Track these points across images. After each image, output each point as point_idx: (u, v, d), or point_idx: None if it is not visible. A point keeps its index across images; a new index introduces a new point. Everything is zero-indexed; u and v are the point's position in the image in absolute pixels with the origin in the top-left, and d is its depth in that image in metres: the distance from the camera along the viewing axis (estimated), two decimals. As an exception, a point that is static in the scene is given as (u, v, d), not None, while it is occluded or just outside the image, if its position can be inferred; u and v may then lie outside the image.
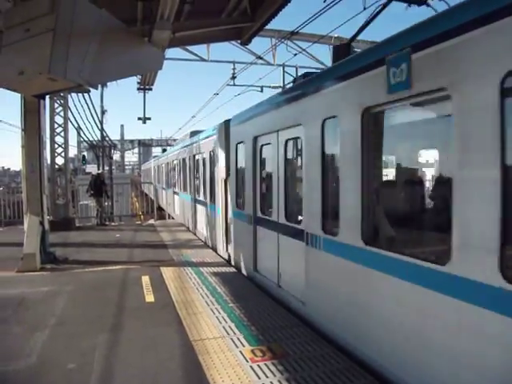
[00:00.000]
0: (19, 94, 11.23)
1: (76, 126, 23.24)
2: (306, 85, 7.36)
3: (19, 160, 12.29)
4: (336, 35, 21.75)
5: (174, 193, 22.60)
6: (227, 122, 11.61)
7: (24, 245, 10.79)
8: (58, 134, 19.29)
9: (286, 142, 8.07)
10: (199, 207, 16.08)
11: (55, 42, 7.52)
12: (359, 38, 7.75)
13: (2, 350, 5.96)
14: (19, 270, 10.38)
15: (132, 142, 68.11)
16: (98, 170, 24.76)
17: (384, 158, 5.99)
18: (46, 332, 6.54)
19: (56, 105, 19.09)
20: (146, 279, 9.50)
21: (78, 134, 25.71)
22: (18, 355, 5.71)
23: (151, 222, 21.51)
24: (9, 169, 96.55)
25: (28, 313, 7.51)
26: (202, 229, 15.52)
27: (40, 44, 7.62)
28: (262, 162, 9.53)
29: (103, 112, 31.10)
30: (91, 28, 8.22)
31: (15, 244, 12.22)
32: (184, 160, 19.07)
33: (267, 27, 13.53)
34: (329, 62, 22.76)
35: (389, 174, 6.05)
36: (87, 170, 38.86)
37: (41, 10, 7.69)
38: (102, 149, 28.18)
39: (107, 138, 29.19)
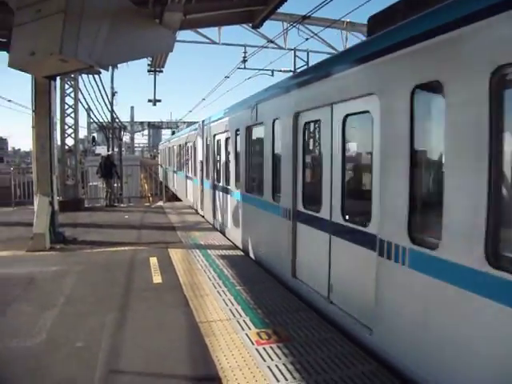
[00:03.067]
0: (30, 75, 11.27)
1: (86, 107, 23.26)
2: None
3: (30, 141, 12.36)
4: (348, 20, 21.60)
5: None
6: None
7: (34, 225, 10.90)
8: (69, 115, 19.35)
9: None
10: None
11: (66, 23, 7.53)
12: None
13: (13, 328, 6.05)
14: (29, 249, 10.50)
15: (142, 123, 68.02)
16: (108, 151, 24.80)
17: None
18: (55, 311, 6.63)
19: (66, 86, 19.13)
20: (153, 260, 9.58)
21: (88, 115, 25.67)
22: (28, 333, 5.80)
23: (160, 203, 21.58)
24: (19, 149, 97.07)
25: (37, 292, 7.60)
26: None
27: (51, 25, 7.63)
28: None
29: (113, 94, 31.08)
30: (102, 9, 8.21)
31: (25, 224, 12.37)
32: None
33: (279, 11, 13.47)
34: (341, 47, 22.64)
35: None
36: (97, 152, 39.01)
37: (52, -10, 7.69)
38: (111, 130, 28.20)
39: (117, 120, 29.19)
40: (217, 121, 14.24)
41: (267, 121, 9.20)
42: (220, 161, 14.29)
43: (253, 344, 5.51)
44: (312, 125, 7.66)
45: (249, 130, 10.72)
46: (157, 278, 8.31)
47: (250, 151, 10.88)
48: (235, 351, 5.31)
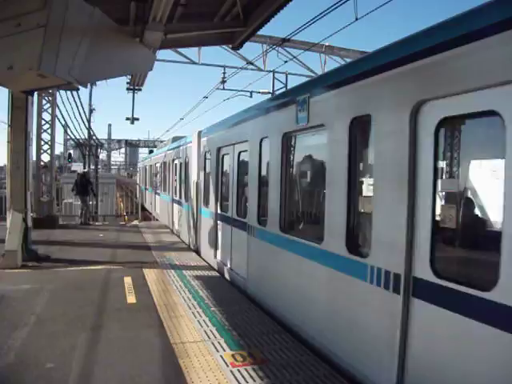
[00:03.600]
0: (7, 89, 11.15)
1: (63, 123, 23.09)
2: None
3: (4, 155, 12.20)
4: (327, 44, 21.90)
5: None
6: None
7: (6, 241, 10.68)
8: (45, 130, 19.20)
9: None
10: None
11: (46, 39, 7.47)
12: (351, 47, 7.81)
13: (-20, 346, 5.89)
14: (0, 266, 10.27)
15: (119, 141, 67.77)
16: (84, 168, 24.62)
17: None
18: (25, 330, 6.47)
19: (44, 101, 19.01)
20: (128, 280, 9.44)
21: (65, 131, 25.49)
22: (-5, 353, 5.65)
23: (135, 222, 21.41)
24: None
25: (8, 310, 7.41)
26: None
27: (31, 39, 7.57)
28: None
29: (91, 110, 30.94)
30: (83, 26, 8.18)
31: (-3, 240, 12.13)
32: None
33: (259, 33, 13.60)
34: (319, 71, 22.92)
35: None
36: (73, 168, 38.71)
37: (33, 5, 7.63)
38: (88, 147, 28.01)
39: (94, 137, 29.04)
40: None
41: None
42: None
43: (227, 366, 5.44)
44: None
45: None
46: (131, 298, 8.19)
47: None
48: (209, 373, 5.23)
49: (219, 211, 11.41)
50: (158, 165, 23.35)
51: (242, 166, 9.69)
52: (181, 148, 16.54)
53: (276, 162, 7.61)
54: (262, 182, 8.43)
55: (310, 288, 6.49)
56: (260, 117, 8.62)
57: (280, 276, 7.57)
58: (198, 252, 13.29)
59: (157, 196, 23.45)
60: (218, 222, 11.41)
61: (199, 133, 13.40)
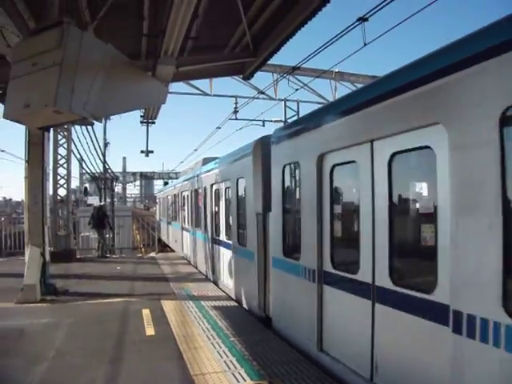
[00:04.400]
0: (23, 126, 11.35)
1: (79, 157, 23.35)
2: None
3: (21, 190, 12.35)
4: (337, 70, 22.05)
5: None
6: None
7: (24, 276, 10.75)
8: (61, 165, 19.48)
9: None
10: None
11: (61, 76, 7.61)
12: (361, 72, 8.02)
13: (1, 382, 5.89)
14: (19, 301, 10.33)
15: (134, 174, 68.25)
16: (100, 201, 24.81)
17: None
18: (45, 364, 6.48)
19: (59, 137, 19.32)
20: (146, 312, 9.43)
21: (81, 165, 25.78)
22: (16, 388, 5.65)
23: (152, 254, 21.43)
24: (10, 199, 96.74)
25: (27, 345, 7.44)
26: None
27: (46, 77, 7.72)
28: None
29: (106, 144, 31.36)
30: (97, 62, 8.33)
31: (15, 275, 12.20)
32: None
33: (269, 62, 13.74)
34: (330, 97, 23.03)
35: None
36: (89, 202, 38.93)
37: (49, 44, 7.82)
38: (104, 181, 28.28)
39: (109, 170, 29.31)
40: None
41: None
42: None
43: (249, 397, 5.39)
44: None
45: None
46: (150, 330, 8.17)
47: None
48: (231, 404, 5.18)
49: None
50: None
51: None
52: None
53: None
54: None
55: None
56: None
57: None
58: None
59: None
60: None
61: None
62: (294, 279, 7.50)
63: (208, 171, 14.41)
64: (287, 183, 8.19)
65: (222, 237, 12.68)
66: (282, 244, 8.08)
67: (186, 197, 19.45)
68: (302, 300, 7.20)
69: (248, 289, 10.20)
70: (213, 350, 7.08)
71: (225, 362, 6.58)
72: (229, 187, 11.82)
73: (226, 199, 12.49)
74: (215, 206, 13.65)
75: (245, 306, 10.33)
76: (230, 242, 11.66)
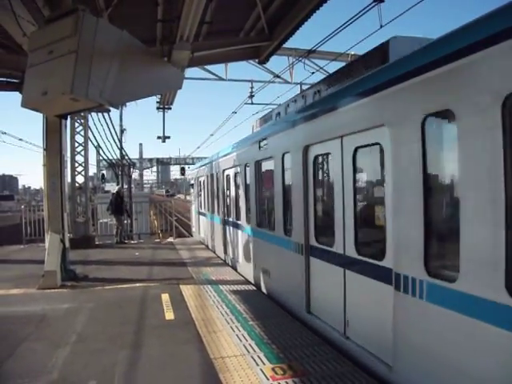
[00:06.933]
0: (41, 115, 11.44)
1: (96, 144, 23.48)
2: None
3: (40, 178, 12.47)
4: (353, 52, 21.80)
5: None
6: None
7: (45, 262, 10.90)
8: (79, 153, 19.59)
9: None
10: None
11: (78, 63, 7.66)
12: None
13: (25, 366, 6.00)
14: (40, 287, 10.49)
15: (151, 160, 68.65)
16: (117, 185, 24.96)
17: None
18: (67, 349, 6.59)
19: (77, 124, 19.40)
20: (165, 297, 9.52)
21: (98, 152, 25.94)
22: (39, 372, 5.76)
23: (170, 240, 21.55)
24: (29, 187, 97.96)
25: (49, 330, 7.57)
26: None
27: (63, 65, 7.76)
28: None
29: (122, 131, 31.41)
30: (112, 49, 8.35)
31: (36, 261, 12.40)
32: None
33: (284, 46, 13.65)
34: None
35: None
36: (106, 189, 39.22)
37: (64, 32, 7.85)
38: (121, 167, 28.41)
39: (126, 157, 29.44)
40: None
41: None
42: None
43: (268, 379, 5.43)
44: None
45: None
46: (169, 315, 8.25)
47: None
48: (250, 387, 5.23)
49: None
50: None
51: None
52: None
53: None
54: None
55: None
56: None
57: None
58: None
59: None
60: None
61: None
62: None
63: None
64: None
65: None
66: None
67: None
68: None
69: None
70: (232, 334, 7.14)
71: (244, 345, 6.63)
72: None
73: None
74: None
75: None
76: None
